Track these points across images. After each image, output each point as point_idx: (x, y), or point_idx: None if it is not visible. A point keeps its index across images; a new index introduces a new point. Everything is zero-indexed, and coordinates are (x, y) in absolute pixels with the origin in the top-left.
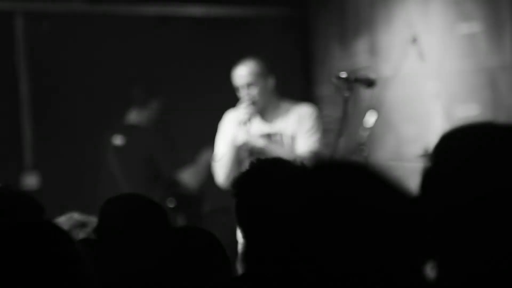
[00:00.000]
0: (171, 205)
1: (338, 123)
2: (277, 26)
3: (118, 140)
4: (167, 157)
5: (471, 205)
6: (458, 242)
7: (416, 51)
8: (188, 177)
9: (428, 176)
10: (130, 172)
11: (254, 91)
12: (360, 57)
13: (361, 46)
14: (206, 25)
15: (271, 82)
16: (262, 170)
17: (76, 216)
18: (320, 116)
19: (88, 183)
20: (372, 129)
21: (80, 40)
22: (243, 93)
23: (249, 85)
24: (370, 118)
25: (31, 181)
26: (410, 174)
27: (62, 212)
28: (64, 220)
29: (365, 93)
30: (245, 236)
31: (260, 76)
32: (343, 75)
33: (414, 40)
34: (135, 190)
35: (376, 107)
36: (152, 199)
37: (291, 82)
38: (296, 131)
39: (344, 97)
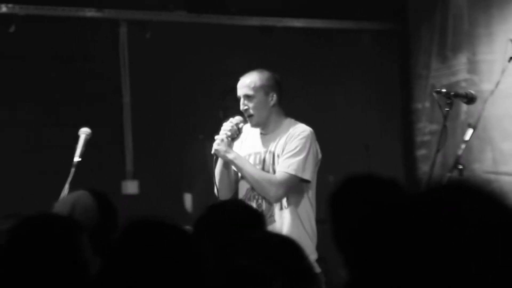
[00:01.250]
0: None
1: (437, 137)
2: (377, 40)
3: None
4: None
5: None
6: None
7: None
8: None
9: None
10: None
11: (251, 104)
12: (460, 73)
13: (461, 62)
14: (306, 37)
15: (273, 98)
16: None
17: None
18: (313, 139)
19: (185, 190)
20: (469, 143)
21: (180, 49)
22: (241, 105)
23: (247, 96)
24: (468, 133)
25: (131, 188)
26: (508, 188)
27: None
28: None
29: (464, 109)
30: (350, 260)
31: (260, 90)
32: (444, 90)
33: None
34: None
35: (475, 122)
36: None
37: (389, 95)
38: (281, 150)
39: (444, 112)
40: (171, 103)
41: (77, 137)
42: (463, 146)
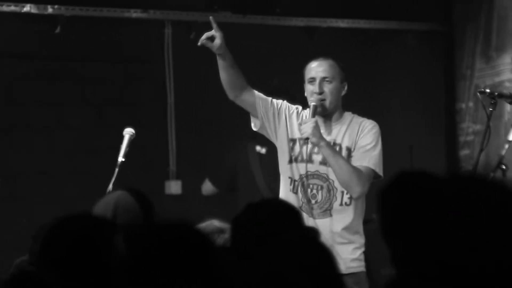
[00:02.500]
0: None
1: (481, 137)
2: (422, 40)
3: (262, 149)
4: None
5: None
6: None
7: None
8: None
9: None
10: (272, 181)
11: (328, 87)
12: (504, 73)
13: (505, 62)
14: (350, 38)
15: (344, 88)
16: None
17: (215, 222)
18: (380, 133)
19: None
20: None
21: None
22: (315, 87)
23: (325, 79)
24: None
25: (174, 188)
26: None
27: (201, 218)
28: (204, 226)
29: (508, 109)
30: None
31: (338, 75)
32: (488, 90)
33: None
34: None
35: None
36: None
37: (433, 95)
38: (354, 145)
39: (488, 112)
40: (215, 104)
41: (122, 138)
42: (506, 146)
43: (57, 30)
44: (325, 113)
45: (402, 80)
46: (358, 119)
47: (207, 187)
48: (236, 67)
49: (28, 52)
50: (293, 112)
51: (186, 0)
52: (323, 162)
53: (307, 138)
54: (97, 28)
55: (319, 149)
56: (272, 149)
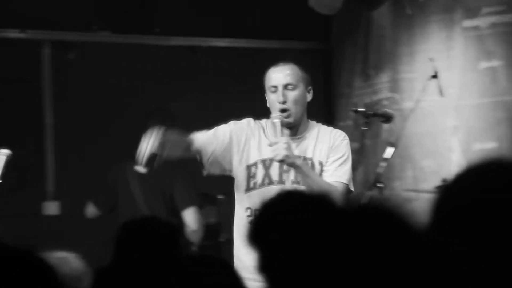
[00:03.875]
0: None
1: (355, 155)
2: (301, 59)
3: (141, 169)
4: (185, 191)
5: (481, 241)
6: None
7: (436, 87)
8: (191, 218)
9: (441, 207)
10: (152, 202)
11: (292, 95)
12: (382, 91)
13: (383, 81)
14: (231, 57)
15: (310, 93)
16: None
17: (71, 261)
18: (349, 143)
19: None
20: (390, 161)
21: (104, 70)
22: (278, 96)
23: (288, 86)
24: (389, 151)
25: (52, 209)
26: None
27: (80, 239)
28: (57, 262)
29: (385, 127)
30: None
31: (303, 80)
32: (361, 109)
33: (435, 76)
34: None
35: (395, 140)
36: (169, 222)
37: (314, 114)
38: (326, 158)
39: (362, 131)
40: (94, 124)
41: None
42: (383, 164)
43: None
44: (290, 125)
45: None
46: (326, 129)
47: (91, 210)
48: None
49: None
50: (250, 134)
51: (65, 20)
52: (296, 181)
53: (281, 161)
54: None
55: (295, 170)
56: (151, 168)
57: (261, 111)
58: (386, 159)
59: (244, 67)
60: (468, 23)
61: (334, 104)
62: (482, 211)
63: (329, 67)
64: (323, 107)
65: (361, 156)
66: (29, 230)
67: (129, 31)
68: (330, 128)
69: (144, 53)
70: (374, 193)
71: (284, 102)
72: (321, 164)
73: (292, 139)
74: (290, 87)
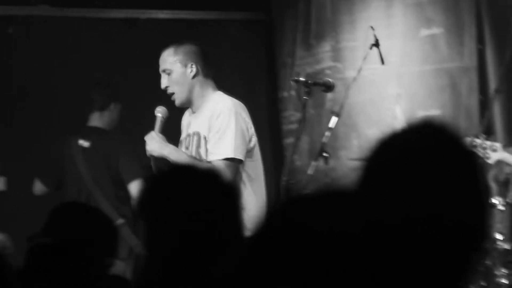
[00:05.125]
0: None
1: (297, 125)
2: (243, 30)
3: (84, 143)
4: (130, 164)
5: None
6: None
7: (377, 55)
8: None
9: (369, 167)
10: (97, 175)
11: (170, 79)
12: (324, 60)
13: (325, 50)
14: (171, 29)
15: (193, 69)
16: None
17: None
18: (237, 114)
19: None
20: (335, 131)
21: (45, 44)
22: (161, 83)
23: (165, 71)
24: (333, 120)
25: None
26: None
27: (29, 215)
28: None
29: (329, 96)
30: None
31: (178, 61)
32: (301, 78)
33: (376, 44)
34: (103, 193)
35: (339, 110)
36: (98, 211)
37: (256, 85)
38: (207, 132)
39: (303, 100)
40: (36, 98)
41: None
42: (327, 133)
43: None
44: (185, 105)
45: (223, 70)
46: (215, 102)
47: (38, 187)
48: None
49: None
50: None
51: None
52: None
53: (151, 156)
54: None
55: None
56: (95, 143)
57: None
58: (330, 129)
59: (184, 39)
60: None
61: (277, 74)
62: (406, 172)
63: (270, 37)
64: (266, 78)
65: (302, 125)
66: None
67: (68, 4)
68: (220, 100)
69: (83, 27)
70: (319, 162)
71: (167, 87)
72: (205, 138)
73: (191, 113)
74: (166, 71)
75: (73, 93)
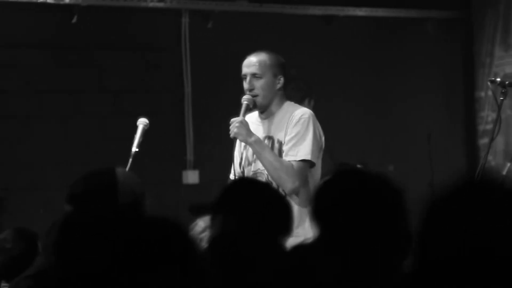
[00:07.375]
0: None
1: (492, 126)
2: (441, 28)
3: None
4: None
5: None
6: None
7: None
8: None
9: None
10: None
11: (258, 84)
12: None
13: None
14: (368, 26)
15: (280, 81)
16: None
17: (201, 223)
18: (314, 121)
19: None
20: None
21: (242, 39)
22: (246, 84)
23: (255, 75)
24: None
25: (192, 178)
26: None
27: None
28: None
29: None
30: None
31: (269, 70)
32: (498, 79)
33: None
34: None
35: None
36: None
37: (452, 84)
38: (284, 137)
39: (498, 101)
40: (232, 93)
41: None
42: None
43: (74, 20)
44: (261, 109)
45: (420, 69)
46: (293, 109)
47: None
48: None
49: (45, 42)
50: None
51: None
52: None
53: (234, 138)
54: (114, 17)
55: (249, 147)
56: None
57: (393, 80)
58: None
59: (381, 37)
60: None
61: (475, 74)
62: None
63: (469, 37)
64: (463, 77)
65: (496, 127)
66: (169, 199)
67: (266, 0)
68: (296, 108)
69: (280, 23)
70: None
71: (251, 90)
72: (279, 142)
73: (262, 119)
74: (257, 76)
75: None
